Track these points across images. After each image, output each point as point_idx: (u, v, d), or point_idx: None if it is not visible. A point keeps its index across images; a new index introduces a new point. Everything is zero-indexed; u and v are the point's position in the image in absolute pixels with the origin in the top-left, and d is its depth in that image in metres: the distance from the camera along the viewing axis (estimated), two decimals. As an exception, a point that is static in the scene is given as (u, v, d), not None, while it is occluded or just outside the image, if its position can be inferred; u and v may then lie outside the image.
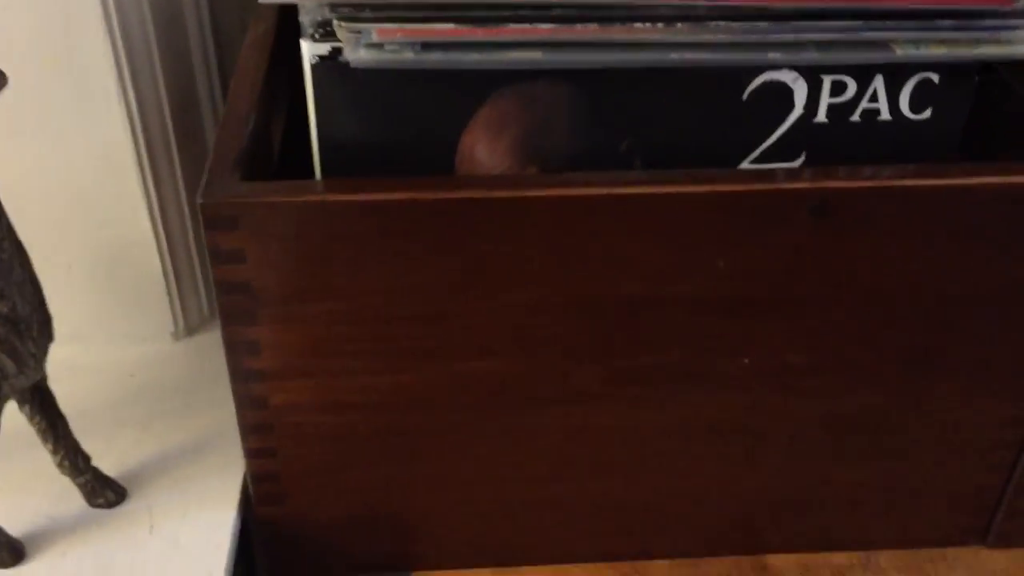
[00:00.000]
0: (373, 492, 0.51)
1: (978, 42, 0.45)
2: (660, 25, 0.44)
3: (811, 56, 0.44)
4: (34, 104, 0.54)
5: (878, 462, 0.52)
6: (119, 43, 0.52)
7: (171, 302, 0.61)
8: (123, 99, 0.54)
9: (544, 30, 0.43)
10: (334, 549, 0.54)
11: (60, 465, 0.51)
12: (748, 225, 0.44)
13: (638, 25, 0.44)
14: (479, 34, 0.42)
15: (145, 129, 0.56)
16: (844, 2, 0.45)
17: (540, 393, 0.48)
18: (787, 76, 0.46)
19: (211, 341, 0.63)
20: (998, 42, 0.45)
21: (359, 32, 0.42)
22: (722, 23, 0.44)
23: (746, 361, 0.48)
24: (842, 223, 0.44)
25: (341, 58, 0.43)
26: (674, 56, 0.44)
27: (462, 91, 0.45)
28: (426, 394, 0.48)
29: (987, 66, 0.52)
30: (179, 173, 0.59)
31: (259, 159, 0.46)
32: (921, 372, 0.49)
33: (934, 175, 0.44)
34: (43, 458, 0.51)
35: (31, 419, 0.49)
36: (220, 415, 0.56)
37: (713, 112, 0.47)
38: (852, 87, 0.47)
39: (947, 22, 0.45)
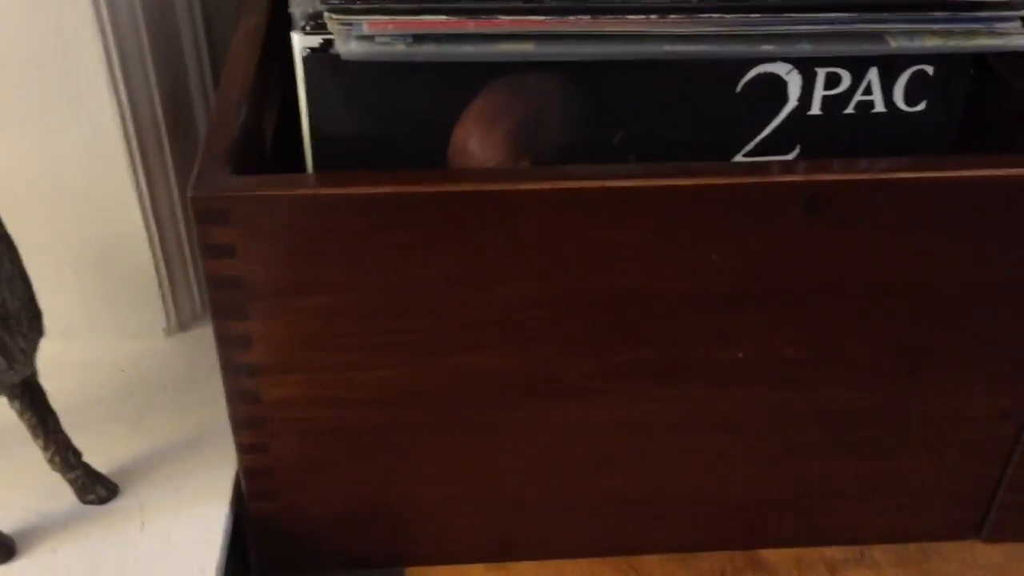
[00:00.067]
0: (366, 487, 0.51)
1: (973, 34, 0.45)
2: (653, 17, 0.44)
3: (805, 48, 0.44)
4: (23, 97, 0.53)
5: (872, 456, 0.52)
6: (109, 36, 0.52)
7: (163, 297, 0.61)
8: (114, 92, 0.53)
9: (536, 22, 0.43)
10: (327, 545, 0.53)
11: (51, 461, 0.50)
12: (742, 218, 0.44)
13: (631, 17, 0.43)
14: (471, 26, 0.42)
15: (136, 122, 0.55)
16: (838, -6, 0.44)
17: (534, 388, 0.48)
18: (781, 68, 0.46)
19: (204, 336, 0.62)
20: (993, 34, 0.45)
21: (350, 24, 0.42)
22: (715, 15, 0.44)
23: (740, 355, 0.48)
24: (836, 216, 0.44)
25: (332, 50, 0.43)
26: (667, 48, 0.43)
27: (454, 84, 0.45)
28: (419, 389, 0.48)
29: (984, 60, 0.52)
30: (170, 167, 0.58)
31: (250, 152, 0.46)
32: (915, 366, 0.49)
33: (929, 167, 0.44)
34: (34, 454, 0.50)
35: (21, 415, 0.49)
36: (212, 411, 0.56)
37: (707, 105, 0.47)
38: (846, 79, 0.47)
39: (941, 14, 0.45)
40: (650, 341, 0.47)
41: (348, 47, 0.42)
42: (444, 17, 0.42)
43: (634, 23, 0.43)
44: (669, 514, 0.54)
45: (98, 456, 0.53)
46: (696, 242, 0.44)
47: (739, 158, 0.49)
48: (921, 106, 0.48)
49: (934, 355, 0.49)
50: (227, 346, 0.45)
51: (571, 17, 0.43)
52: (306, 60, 0.44)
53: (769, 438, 0.51)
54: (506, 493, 0.52)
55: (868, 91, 0.47)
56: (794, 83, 0.46)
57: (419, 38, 0.42)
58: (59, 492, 0.52)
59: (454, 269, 0.44)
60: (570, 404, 0.49)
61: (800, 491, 0.53)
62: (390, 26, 0.42)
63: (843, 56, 0.46)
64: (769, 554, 0.55)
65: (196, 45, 0.60)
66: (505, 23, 0.42)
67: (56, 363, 0.51)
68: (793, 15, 0.44)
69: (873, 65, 0.46)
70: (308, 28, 0.44)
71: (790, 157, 0.49)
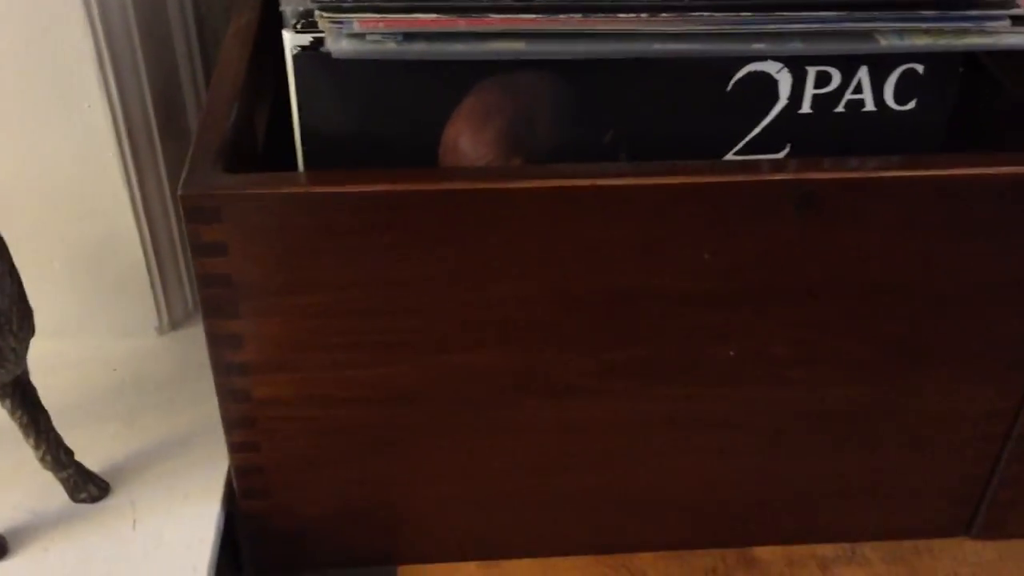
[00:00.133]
0: (358, 485, 0.51)
1: (963, 32, 0.45)
2: (644, 15, 0.44)
3: (795, 47, 0.44)
4: (15, 96, 0.53)
5: (864, 454, 0.52)
6: (100, 34, 0.52)
7: (155, 296, 0.61)
8: (105, 91, 0.53)
9: (527, 20, 0.43)
10: (320, 543, 0.53)
11: (42, 460, 0.50)
12: (733, 217, 0.44)
13: (621, 15, 0.44)
14: (461, 24, 0.42)
15: (128, 121, 0.55)
16: (828, -8, 0.45)
17: (526, 386, 0.48)
18: (771, 67, 0.46)
19: (196, 335, 0.62)
20: (983, 32, 0.45)
21: (340, 23, 0.42)
22: (706, 13, 0.44)
23: (732, 353, 0.48)
24: (827, 214, 0.44)
25: (323, 49, 0.43)
26: (657, 47, 0.43)
27: (445, 82, 0.45)
28: (411, 387, 0.48)
29: (974, 59, 0.52)
30: (162, 165, 0.58)
31: (242, 151, 0.46)
32: (907, 364, 0.49)
33: (919, 166, 0.44)
34: (25, 453, 0.50)
35: (12, 414, 0.49)
36: (204, 410, 0.56)
37: (697, 103, 0.47)
38: (837, 78, 0.47)
39: (931, 12, 0.45)
40: (643, 340, 0.47)
41: (339, 45, 0.42)
42: (435, 15, 0.42)
43: (625, 21, 0.43)
44: (662, 512, 0.54)
45: (90, 455, 0.53)
46: (688, 241, 0.44)
47: (730, 156, 0.49)
48: (911, 104, 0.48)
49: (925, 353, 0.49)
50: (218, 345, 0.45)
51: (562, 16, 0.43)
52: (297, 58, 0.44)
53: (761, 436, 0.51)
54: (499, 491, 0.52)
55: (858, 90, 0.47)
56: (784, 82, 0.47)
57: (410, 36, 0.42)
58: (51, 491, 0.52)
59: (445, 268, 0.44)
60: (562, 403, 0.49)
61: (792, 489, 0.54)
62: (381, 24, 0.42)
63: (833, 55, 0.46)
64: (761, 552, 0.56)
65: (188, 44, 0.60)
66: (496, 21, 0.42)
67: (48, 362, 0.51)
68: (784, 14, 0.44)
69: (863, 64, 0.47)
70: (299, 26, 0.44)
71: (781, 156, 0.49)
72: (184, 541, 0.50)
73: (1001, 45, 0.45)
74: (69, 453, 0.51)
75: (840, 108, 0.48)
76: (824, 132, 0.48)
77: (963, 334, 0.48)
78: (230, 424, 0.48)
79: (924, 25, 0.45)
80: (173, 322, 0.63)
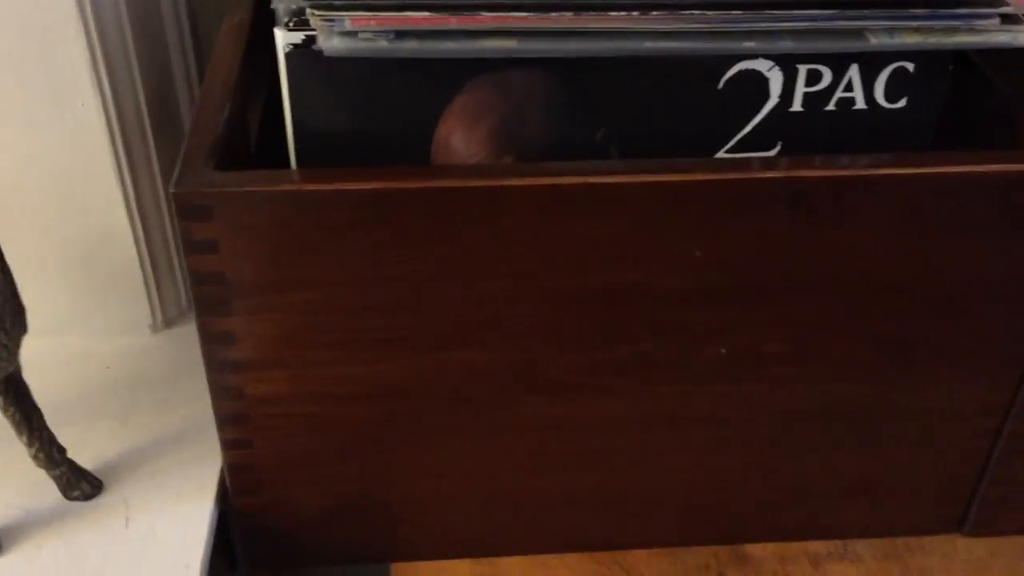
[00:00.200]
0: (351, 483, 0.51)
1: (953, 31, 0.45)
2: (635, 13, 0.44)
3: (786, 45, 0.44)
4: (8, 94, 0.53)
5: (855, 451, 0.53)
6: (93, 32, 0.52)
7: (148, 294, 0.61)
8: (98, 89, 0.53)
9: (519, 18, 0.43)
10: (313, 540, 0.53)
11: (35, 457, 0.50)
12: (724, 214, 0.44)
13: (613, 13, 0.44)
14: (453, 22, 0.42)
15: (121, 119, 0.55)
16: (819, -9, 0.45)
17: (519, 384, 0.48)
18: (762, 65, 0.46)
19: (190, 333, 0.62)
20: (972, 31, 0.45)
21: (332, 20, 0.42)
22: (697, 12, 0.44)
23: (723, 351, 0.48)
24: (818, 212, 0.44)
25: (315, 47, 0.43)
26: (649, 44, 0.44)
27: (437, 80, 0.45)
28: (403, 384, 0.48)
29: (964, 57, 0.52)
30: (155, 163, 0.58)
31: (234, 148, 0.46)
32: (898, 362, 0.49)
33: (910, 164, 0.44)
34: (18, 450, 0.50)
35: (5, 411, 0.49)
36: (198, 407, 0.56)
37: (689, 101, 0.47)
38: (827, 76, 0.47)
39: (921, 11, 0.45)
40: (634, 337, 0.47)
41: (331, 43, 0.42)
42: (426, 13, 0.42)
43: (616, 19, 0.43)
44: (654, 509, 0.54)
45: (83, 452, 0.53)
46: (679, 238, 0.45)
47: (721, 154, 0.49)
48: (902, 103, 0.48)
49: (917, 351, 0.49)
50: (211, 342, 0.45)
51: (553, 13, 0.43)
52: (289, 56, 0.44)
53: (753, 433, 0.51)
54: (492, 488, 0.52)
55: (849, 88, 0.47)
56: (775, 80, 0.47)
57: (401, 34, 0.42)
58: (44, 488, 0.52)
59: (438, 265, 0.44)
60: (555, 400, 0.49)
61: (784, 486, 0.54)
62: (372, 22, 0.42)
63: (824, 53, 0.46)
64: (753, 548, 0.56)
65: (181, 41, 0.60)
66: (487, 19, 0.43)
67: (41, 359, 0.51)
68: (774, 12, 0.44)
69: (854, 62, 0.47)
70: (291, 24, 0.44)
71: (772, 153, 0.49)
72: (177, 538, 0.50)
73: (991, 43, 0.45)
74: (62, 451, 0.51)
75: (831, 106, 0.48)
76: (815, 130, 0.48)
77: (954, 332, 0.49)
78: (223, 421, 0.48)
79: (914, 23, 0.45)
80: (167, 320, 0.63)
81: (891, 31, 0.45)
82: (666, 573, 0.54)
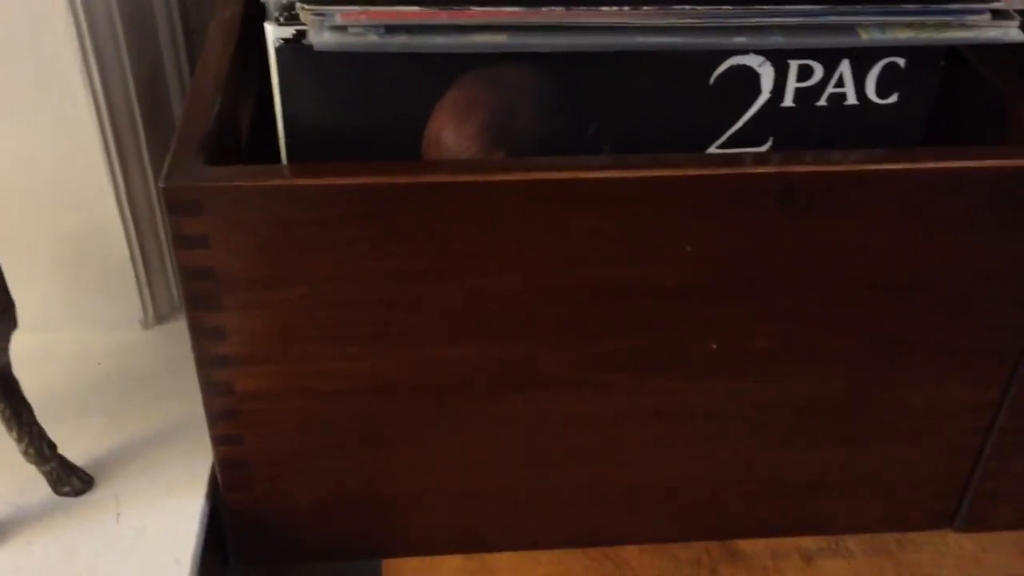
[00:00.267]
0: (342, 478, 0.51)
1: (944, 26, 0.45)
2: (626, 8, 0.44)
3: (777, 40, 0.44)
4: (-3, 88, 0.53)
5: (846, 447, 0.53)
6: (83, 24, 0.52)
7: (139, 289, 0.60)
8: (89, 83, 0.53)
9: (509, 13, 0.43)
10: (304, 536, 0.53)
11: (25, 453, 0.50)
12: (716, 210, 0.44)
13: (604, 8, 0.44)
14: (443, 17, 0.42)
15: (111, 113, 0.55)
16: (810, -14, 0.45)
17: (509, 379, 0.48)
18: (753, 60, 0.46)
19: (181, 329, 0.62)
20: (964, 26, 0.45)
21: (323, 15, 0.42)
22: (688, 7, 0.44)
23: (714, 346, 0.48)
24: (809, 208, 0.44)
25: (305, 41, 0.43)
26: (640, 40, 0.43)
27: (428, 75, 0.45)
28: (395, 380, 0.48)
29: (955, 52, 0.52)
30: (146, 158, 0.58)
31: (224, 143, 0.46)
32: (890, 357, 0.49)
33: (901, 159, 0.44)
34: (8, 446, 0.50)
35: (-6, 407, 0.49)
36: (189, 403, 0.56)
37: (680, 96, 0.47)
38: (818, 71, 0.47)
39: (913, 6, 0.45)
40: (625, 333, 0.47)
41: (321, 38, 0.42)
42: (417, 8, 0.42)
43: (607, 14, 0.43)
44: (645, 505, 0.54)
45: (74, 448, 0.53)
46: (670, 234, 0.45)
47: (712, 150, 0.49)
48: (893, 98, 0.48)
49: (908, 346, 0.49)
50: (201, 338, 0.45)
51: (544, 8, 0.43)
52: (279, 51, 0.44)
53: (743, 429, 0.51)
54: (483, 484, 0.52)
55: (840, 83, 0.47)
56: (767, 75, 0.47)
57: (392, 29, 0.42)
58: (34, 484, 0.52)
59: (428, 261, 0.44)
60: (545, 395, 0.49)
61: (775, 482, 0.54)
62: (363, 16, 0.42)
63: (815, 48, 0.46)
64: (745, 544, 0.56)
65: (172, 35, 0.60)
66: (478, 14, 0.42)
67: (32, 355, 0.51)
68: (765, 7, 0.44)
69: (845, 57, 0.47)
70: (281, 19, 0.44)
71: (763, 149, 0.49)
72: (168, 534, 0.50)
73: (982, 39, 0.45)
74: (52, 446, 0.51)
75: (822, 102, 0.48)
76: (806, 126, 0.48)
77: (945, 327, 0.49)
78: (213, 417, 0.48)
79: (906, 19, 0.45)
80: (158, 316, 0.62)
81: (882, 26, 0.45)
82: (658, 569, 0.54)
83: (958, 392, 0.51)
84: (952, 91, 0.50)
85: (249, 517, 0.52)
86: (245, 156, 0.50)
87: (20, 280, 0.48)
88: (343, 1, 0.42)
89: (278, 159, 0.47)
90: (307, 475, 0.51)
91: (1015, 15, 0.45)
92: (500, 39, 0.43)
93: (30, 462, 0.51)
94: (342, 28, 0.42)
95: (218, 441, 0.49)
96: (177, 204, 0.42)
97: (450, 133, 0.47)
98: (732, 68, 0.46)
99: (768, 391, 0.50)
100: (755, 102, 0.47)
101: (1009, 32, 0.45)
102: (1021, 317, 0.49)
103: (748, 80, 0.47)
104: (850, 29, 0.45)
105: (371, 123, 0.46)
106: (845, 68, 0.47)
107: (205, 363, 0.46)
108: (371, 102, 0.45)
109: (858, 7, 0.45)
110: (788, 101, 0.48)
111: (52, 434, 0.51)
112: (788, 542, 0.56)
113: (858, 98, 0.48)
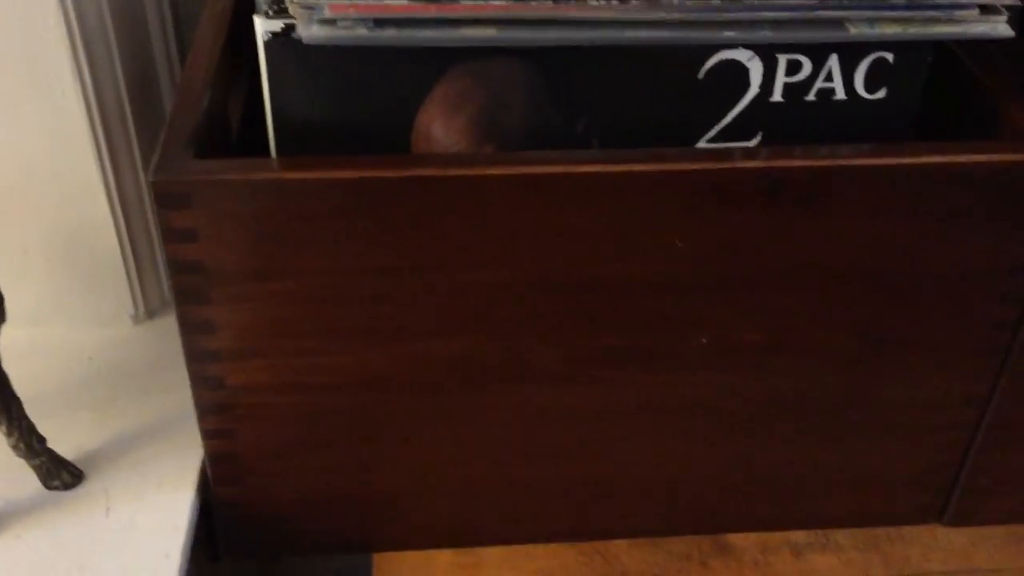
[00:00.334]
0: (333, 473, 0.51)
1: (932, 21, 0.45)
2: (615, 2, 0.44)
3: (765, 35, 0.45)
4: (-14, 82, 0.53)
5: (836, 441, 0.53)
6: (73, 19, 0.52)
7: (130, 284, 0.60)
8: (78, 77, 0.53)
9: (498, 6, 0.43)
10: (295, 530, 0.53)
11: (15, 447, 0.50)
12: (705, 205, 0.44)
13: (592, 2, 0.44)
14: (432, 10, 0.42)
15: (101, 107, 0.55)
16: (799, -20, 0.45)
17: (500, 373, 0.48)
18: (742, 55, 0.46)
19: (171, 324, 0.61)
20: (952, 21, 0.45)
21: (312, 8, 0.42)
22: (676, 1, 0.44)
23: (704, 341, 0.48)
24: (798, 202, 0.44)
25: (294, 35, 0.43)
26: (629, 34, 0.44)
27: (417, 68, 0.45)
28: (385, 374, 0.48)
29: (944, 48, 0.52)
30: (137, 153, 0.58)
31: (214, 137, 0.46)
32: (879, 351, 0.50)
33: (889, 154, 0.44)
34: (-3, 440, 0.50)
35: (-16, 401, 0.49)
36: (179, 397, 0.56)
37: (669, 91, 0.47)
38: (807, 66, 0.47)
39: (901, 1, 0.45)
40: (615, 327, 0.47)
41: (310, 31, 0.42)
42: (406, 1, 0.42)
43: (596, 9, 0.43)
44: (636, 499, 0.54)
45: (64, 442, 0.53)
46: (660, 228, 0.45)
47: (702, 144, 0.49)
48: (881, 93, 0.48)
49: (897, 340, 0.49)
50: (190, 332, 0.45)
51: (533, 2, 0.43)
52: (268, 44, 0.44)
53: (734, 423, 0.51)
54: (474, 478, 0.52)
55: (829, 78, 0.47)
56: (755, 70, 0.47)
57: (380, 22, 0.42)
58: (23, 478, 0.52)
59: (418, 254, 0.44)
60: (536, 390, 0.49)
61: (765, 476, 0.54)
62: (351, 10, 0.42)
63: (804, 43, 0.46)
64: (735, 538, 0.56)
65: (163, 29, 0.59)
66: (467, 8, 0.42)
67: (22, 349, 0.51)
68: (754, 2, 0.44)
69: (834, 52, 0.47)
70: (270, 12, 0.44)
71: (752, 144, 0.49)
72: (158, 528, 0.50)
73: (970, 34, 0.45)
74: (42, 440, 0.51)
75: (811, 97, 0.48)
76: (795, 120, 0.48)
77: (936, 321, 0.49)
78: (203, 411, 0.48)
79: (894, 14, 0.45)
80: (149, 311, 0.62)
81: (871, 21, 0.45)
82: (648, 563, 0.54)
83: (948, 386, 0.51)
84: (941, 86, 0.51)
85: (239, 511, 0.52)
86: (235, 150, 0.50)
87: (10, 275, 0.48)
88: (332, -6, 0.42)
89: (267, 152, 0.47)
90: (297, 469, 0.51)
91: (1003, 10, 0.46)
92: (489, 33, 0.43)
93: (20, 456, 0.51)
94: (331, 21, 0.42)
95: (208, 435, 0.49)
96: (166, 198, 0.42)
97: (439, 127, 0.47)
98: (721, 63, 0.46)
99: (758, 386, 0.50)
100: (744, 97, 0.47)
101: (997, 27, 0.45)
102: (1009, 312, 0.49)
103: (737, 75, 0.47)
104: (839, 24, 0.45)
105: (360, 117, 0.46)
106: (834, 63, 0.47)
107: (195, 357, 0.46)
108: (360, 96, 0.45)
109: (847, 2, 0.45)
110: (777, 96, 0.48)
111: (42, 428, 0.51)
112: (778, 536, 0.56)
113: (847, 93, 0.48)
